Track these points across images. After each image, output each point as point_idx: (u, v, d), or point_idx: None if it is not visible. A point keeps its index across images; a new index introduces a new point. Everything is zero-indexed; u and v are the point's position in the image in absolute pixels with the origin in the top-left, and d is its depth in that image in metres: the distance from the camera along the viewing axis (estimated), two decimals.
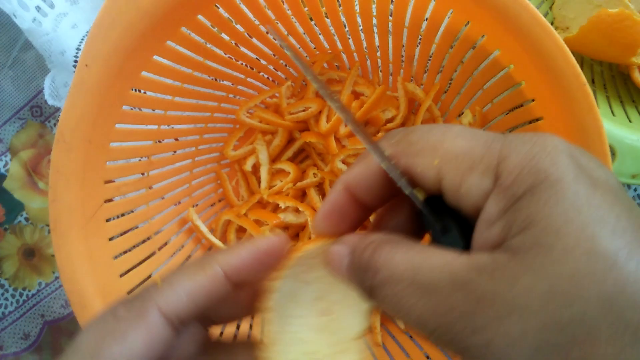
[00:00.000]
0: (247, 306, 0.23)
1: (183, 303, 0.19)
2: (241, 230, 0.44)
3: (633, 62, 0.38)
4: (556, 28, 0.41)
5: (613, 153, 0.34)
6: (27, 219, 0.52)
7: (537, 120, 0.33)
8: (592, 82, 0.41)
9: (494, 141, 0.17)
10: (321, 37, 0.42)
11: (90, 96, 0.31)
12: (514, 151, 0.16)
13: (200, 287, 0.19)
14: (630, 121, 0.37)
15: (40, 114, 0.52)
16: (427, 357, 0.37)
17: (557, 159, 0.15)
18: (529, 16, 0.29)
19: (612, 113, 0.38)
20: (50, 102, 0.47)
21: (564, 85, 0.29)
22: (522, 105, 0.34)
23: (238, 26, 0.38)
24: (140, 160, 0.39)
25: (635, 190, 0.44)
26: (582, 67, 0.43)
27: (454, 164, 0.17)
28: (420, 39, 0.38)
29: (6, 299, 0.53)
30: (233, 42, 0.39)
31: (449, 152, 0.17)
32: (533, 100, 0.33)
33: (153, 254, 0.39)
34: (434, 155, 0.17)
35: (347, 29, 0.40)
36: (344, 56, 0.43)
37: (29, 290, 0.52)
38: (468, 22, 0.33)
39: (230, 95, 0.44)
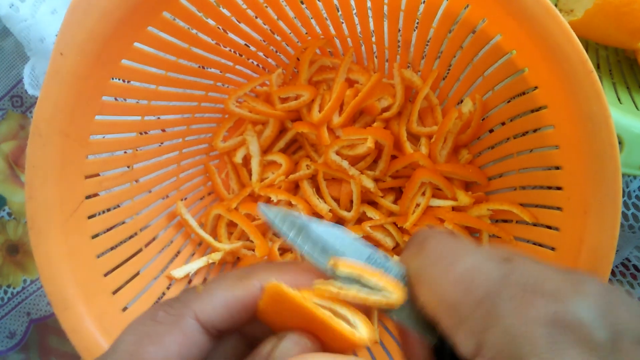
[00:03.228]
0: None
1: (219, 313, 0.19)
2: (232, 225, 0.43)
3: None
4: (560, 11, 0.39)
5: (620, 143, 0.32)
6: (9, 214, 0.50)
7: (541, 109, 0.32)
8: (598, 67, 0.40)
9: (485, 299, 0.17)
10: (313, 21, 0.40)
11: (66, 86, 0.29)
12: (497, 324, 0.16)
13: (237, 300, 0.19)
14: (638, 109, 0.35)
15: (21, 104, 0.50)
16: None
17: (535, 344, 0.15)
18: None
19: (619, 100, 0.36)
20: (30, 91, 0.45)
21: (569, 72, 0.28)
22: (524, 93, 0.33)
23: (225, 10, 0.36)
24: (124, 153, 0.37)
25: None
26: (587, 51, 0.41)
27: (446, 314, 0.18)
28: (417, 23, 0.36)
29: None
30: (220, 27, 0.37)
31: (444, 300, 0.18)
32: (536, 87, 0.31)
33: (139, 251, 0.38)
34: (433, 294, 0.18)
35: (340, 12, 0.38)
36: (337, 42, 0.41)
37: (14, 288, 0.51)
38: (468, 5, 0.31)
39: (219, 84, 0.42)
